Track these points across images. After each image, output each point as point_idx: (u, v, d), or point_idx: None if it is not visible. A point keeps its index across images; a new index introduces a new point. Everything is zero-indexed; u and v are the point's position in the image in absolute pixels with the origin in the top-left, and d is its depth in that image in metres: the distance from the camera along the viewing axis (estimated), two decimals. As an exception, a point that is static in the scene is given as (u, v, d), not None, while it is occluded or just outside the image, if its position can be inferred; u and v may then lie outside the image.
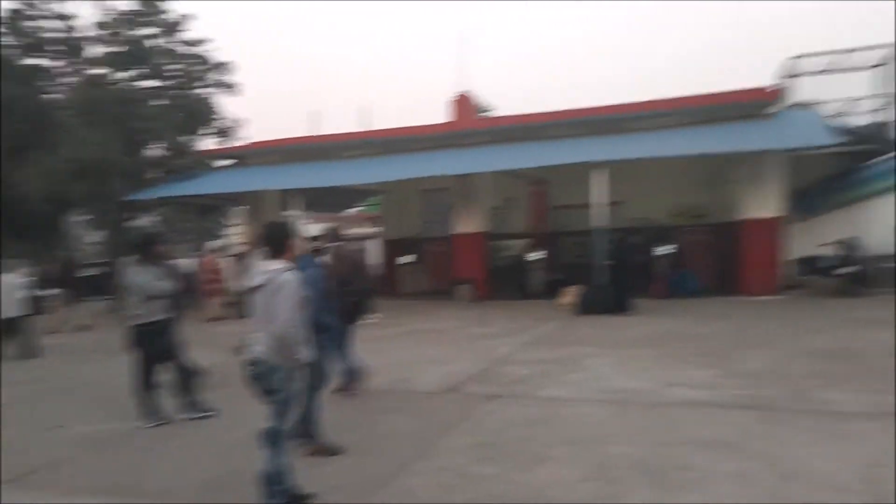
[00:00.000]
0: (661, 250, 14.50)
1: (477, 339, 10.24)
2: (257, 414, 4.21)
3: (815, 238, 14.26)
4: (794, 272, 14.12)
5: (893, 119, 16.86)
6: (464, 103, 18.73)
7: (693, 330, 10.20)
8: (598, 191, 13.18)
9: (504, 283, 16.03)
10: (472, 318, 12.82)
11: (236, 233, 25.37)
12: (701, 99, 14.49)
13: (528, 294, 15.46)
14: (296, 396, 4.17)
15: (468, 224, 16.27)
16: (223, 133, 19.73)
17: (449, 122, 18.12)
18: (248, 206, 18.96)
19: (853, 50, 17.35)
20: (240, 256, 15.95)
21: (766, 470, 4.35)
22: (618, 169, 13.22)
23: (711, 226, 15.47)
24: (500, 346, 9.52)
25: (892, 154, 14.93)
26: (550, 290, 14.26)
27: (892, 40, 16.91)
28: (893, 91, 17.22)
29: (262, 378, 4.01)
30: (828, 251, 13.69)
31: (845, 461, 4.41)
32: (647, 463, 4.58)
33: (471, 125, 17.40)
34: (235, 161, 18.91)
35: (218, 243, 22.01)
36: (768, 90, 14.46)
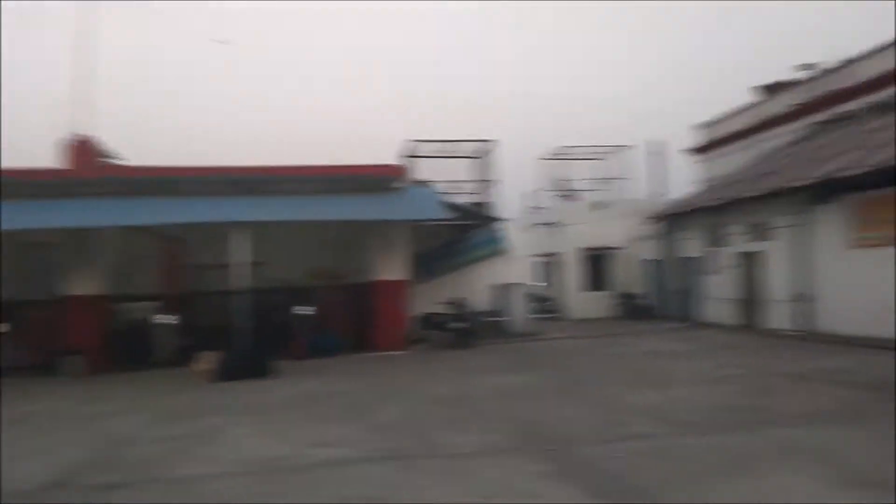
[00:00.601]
0: (301, 311, 14.72)
1: (91, 420, 8.72)
2: None
3: (433, 298, 16.36)
4: (418, 328, 15.85)
5: (488, 199, 20.60)
6: (83, 148, 16.40)
7: (332, 388, 10.49)
8: (238, 251, 12.82)
9: (128, 351, 14.19)
10: (84, 394, 10.96)
11: None
12: (338, 169, 15.43)
13: (157, 362, 13.94)
14: None
15: (82, 285, 14.14)
16: None
17: (63, 169, 15.59)
18: None
19: (458, 141, 20.78)
20: None
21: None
22: (259, 230, 13.11)
23: (348, 287, 16.33)
24: (122, 424, 8.29)
25: (486, 228, 18.34)
26: (184, 357, 13.11)
27: (487, 138, 20.78)
28: (486, 177, 21.10)
29: None
30: (442, 309, 15.81)
31: (468, 497, 4.90)
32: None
33: (90, 173, 15.27)
34: None
35: None
36: (396, 167, 16.21)
